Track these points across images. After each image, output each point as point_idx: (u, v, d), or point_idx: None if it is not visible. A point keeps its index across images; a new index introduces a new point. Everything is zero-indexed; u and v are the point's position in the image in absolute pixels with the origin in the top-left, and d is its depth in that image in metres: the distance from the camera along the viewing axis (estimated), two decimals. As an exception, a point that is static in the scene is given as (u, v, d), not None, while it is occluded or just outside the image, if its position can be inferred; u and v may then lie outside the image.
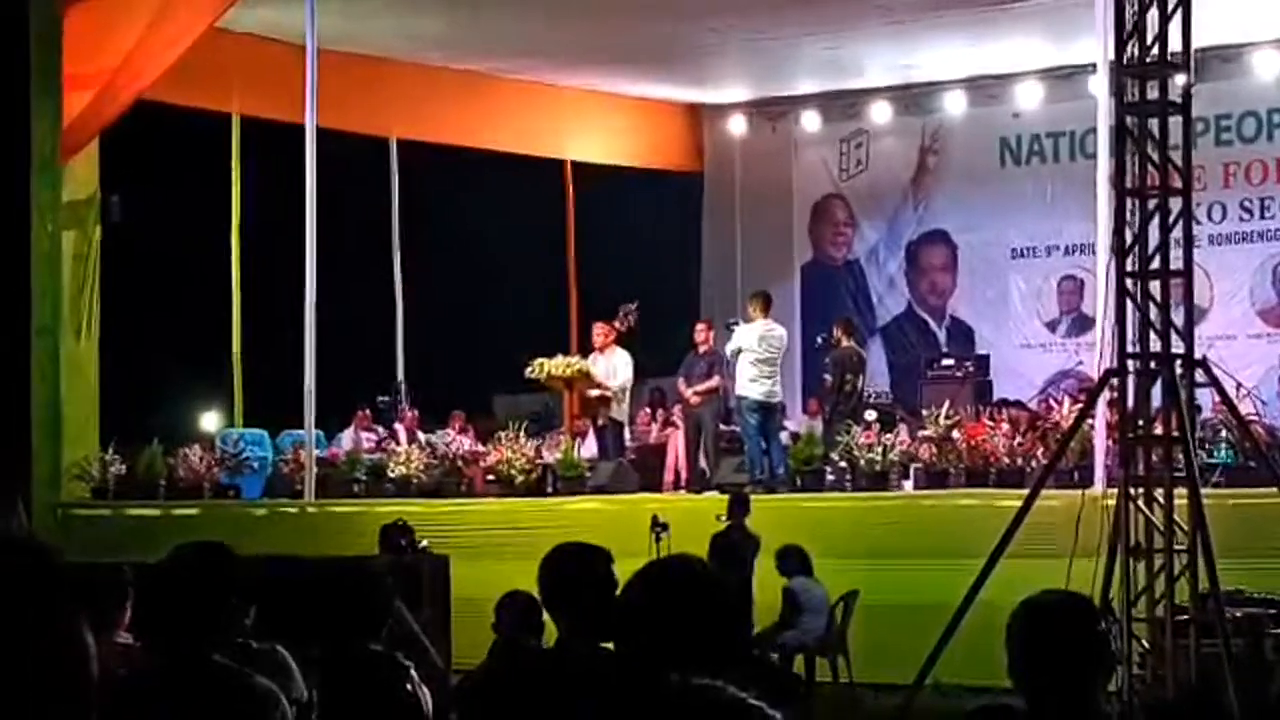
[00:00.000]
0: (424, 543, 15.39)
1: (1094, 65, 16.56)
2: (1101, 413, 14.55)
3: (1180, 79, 12.30)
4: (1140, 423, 12.13)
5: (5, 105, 19.44)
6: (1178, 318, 12.17)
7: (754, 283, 22.48)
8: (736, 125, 26.24)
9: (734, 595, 3.75)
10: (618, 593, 3.94)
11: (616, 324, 19.87)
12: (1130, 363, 12.07)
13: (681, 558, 3.96)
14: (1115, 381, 12.17)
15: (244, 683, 4.90)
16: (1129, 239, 12.17)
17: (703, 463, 19.24)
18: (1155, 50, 12.05)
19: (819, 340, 21.43)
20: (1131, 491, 11.99)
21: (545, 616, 6.18)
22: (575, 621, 5.30)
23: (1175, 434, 11.95)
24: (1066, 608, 4.68)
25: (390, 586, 6.67)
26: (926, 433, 17.50)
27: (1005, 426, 17.52)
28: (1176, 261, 12.17)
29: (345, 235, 20.97)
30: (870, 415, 19.71)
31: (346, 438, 21.41)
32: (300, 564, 12.81)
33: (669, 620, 3.57)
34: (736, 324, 19.12)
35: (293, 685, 6.39)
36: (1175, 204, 12.17)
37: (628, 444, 20.64)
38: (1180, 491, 11.91)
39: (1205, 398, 14.42)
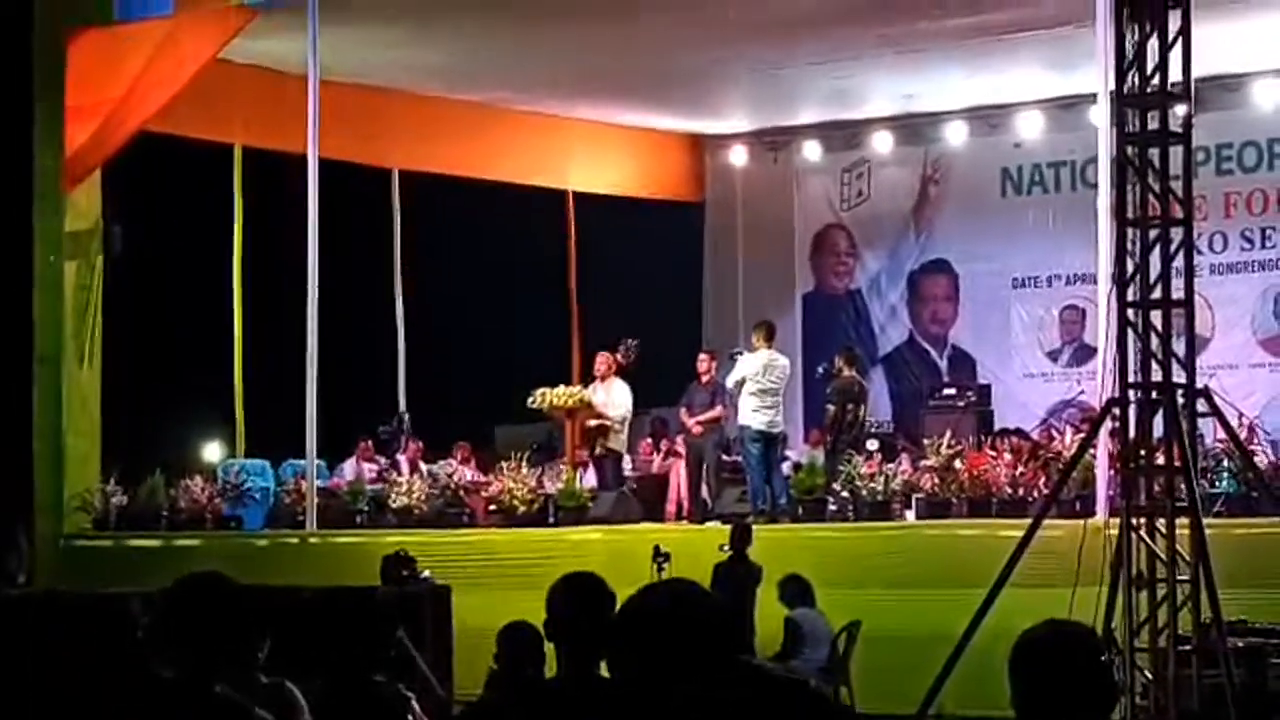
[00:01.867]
0: (425, 573, 15.38)
1: (1095, 95, 16.58)
2: (1104, 442, 14.54)
3: (1181, 109, 12.33)
4: (1142, 452, 12.13)
5: (8, 135, 19.50)
6: (1179, 347, 12.18)
7: (755, 313, 22.49)
8: (738, 155, 26.27)
9: (725, 612, 3.74)
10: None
11: (619, 356, 19.90)
12: (1132, 392, 12.08)
13: (675, 580, 3.96)
14: (1117, 411, 12.17)
15: (244, 714, 4.89)
16: (1130, 269, 12.18)
17: (704, 493, 19.23)
18: (1156, 80, 12.08)
19: (820, 370, 21.42)
20: (1134, 521, 11.99)
21: (548, 647, 6.17)
22: (576, 652, 5.30)
23: (1177, 464, 11.95)
24: (1068, 638, 4.67)
25: (392, 617, 6.67)
26: (928, 462, 17.48)
27: (1007, 456, 17.51)
28: (1178, 291, 12.18)
29: (347, 266, 20.99)
30: (872, 445, 19.71)
31: (348, 468, 21.40)
32: (301, 595, 12.82)
33: (660, 637, 3.57)
34: (740, 354, 19.13)
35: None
36: (1176, 234, 12.19)
37: (629, 474, 20.64)
38: (1182, 521, 11.91)
39: (1207, 427, 14.42)
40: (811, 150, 25.80)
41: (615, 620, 3.81)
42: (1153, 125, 12.21)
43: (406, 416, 23.15)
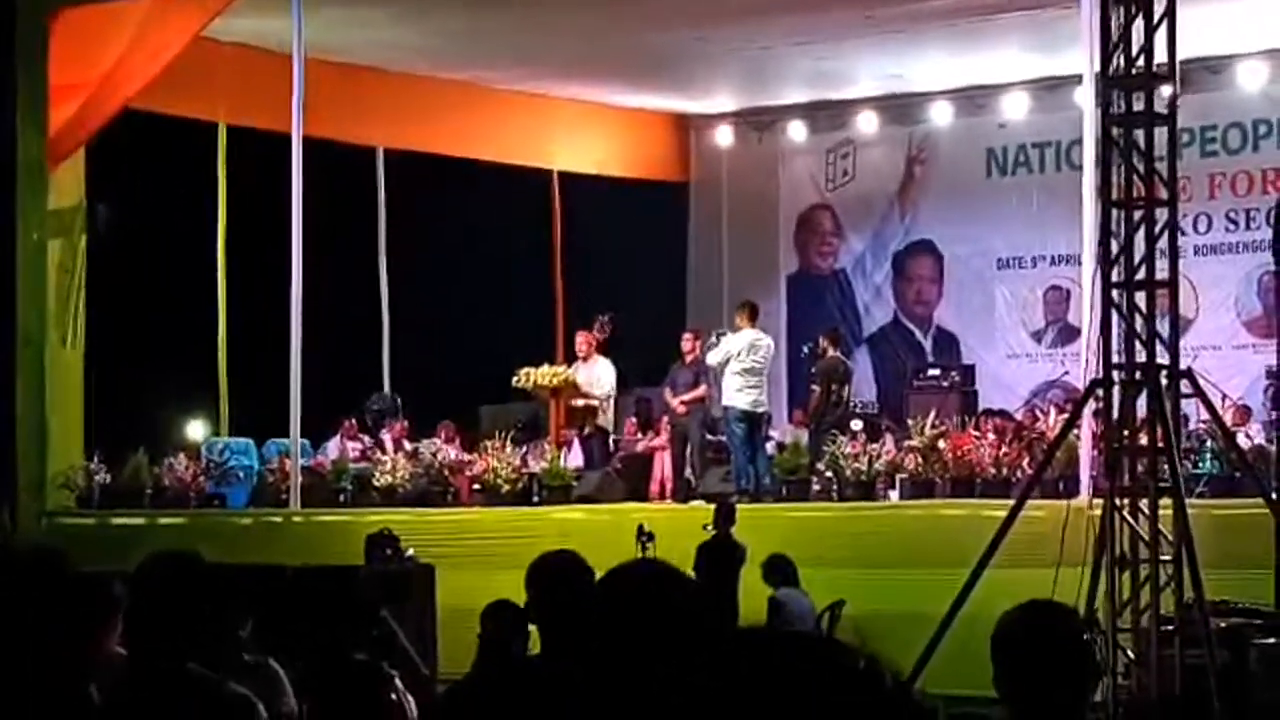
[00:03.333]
0: (410, 552, 15.40)
1: (1080, 76, 16.59)
2: (1087, 423, 14.57)
3: (1166, 90, 12.34)
4: (1126, 433, 12.15)
5: (-9, 114, 19.44)
6: (1163, 328, 12.20)
7: (740, 293, 22.49)
8: (723, 136, 26.26)
9: (698, 592, 3.73)
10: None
11: (596, 333, 19.92)
12: (1116, 373, 12.10)
13: (644, 560, 3.95)
14: (1101, 392, 12.19)
15: (217, 691, 4.89)
16: (1115, 250, 12.20)
17: (689, 472, 19.24)
18: (1141, 61, 12.08)
19: (805, 350, 21.44)
20: (1117, 502, 12.01)
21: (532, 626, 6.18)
22: (558, 630, 5.30)
23: (1160, 445, 11.97)
24: (1049, 618, 4.68)
25: (374, 595, 6.67)
26: (912, 443, 17.51)
27: (991, 436, 17.54)
28: (1162, 272, 12.20)
29: (332, 244, 20.95)
30: (856, 425, 19.72)
31: (332, 447, 21.40)
32: (284, 573, 12.81)
33: (631, 618, 3.56)
34: (724, 334, 19.12)
35: (283, 699, 6.39)
36: (1161, 215, 12.20)
37: (613, 453, 20.64)
38: (1165, 502, 11.94)
39: (1191, 408, 14.45)
40: (797, 130, 25.79)
41: (587, 602, 3.80)
42: (1138, 106, 12.22)
43: (397, 398, 23.14)
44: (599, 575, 5.28)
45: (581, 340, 20.04)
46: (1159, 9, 12.06)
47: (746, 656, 2.27)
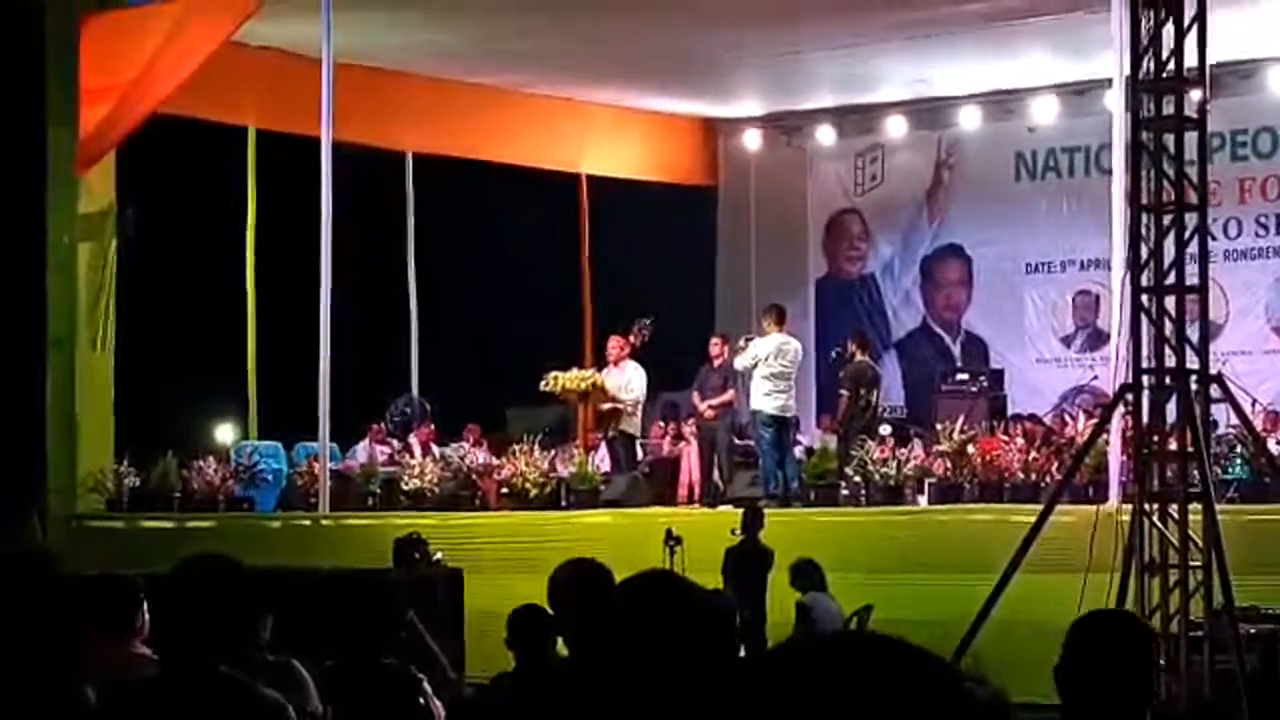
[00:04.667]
0: (438, 555, 15.39)
1: (1110, 80, 16.56)
2: (1116, 428, 14.53)
3: (1196, 94, 12.31)
4: (1155, 438, 12.12)
5: (22, 117, 19.51)
6: (1193, 333, 12.17)
7: (768, 297, 22.47)
8: (751, 140, 26.25)
9: (715, 607, 3.70)
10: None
11: (631, 338, 19.88)
12: (1145, 378, 12.07)
13: (658, 571, 3.92)
14: (1130, 397, 12.16)
15: (249, 693, 4.90)
16: (1144, 254, 12.17)
17: (716, 477, 19.23)
18: (1171, 66, 12.06)
19: (833, 355, 21.42)
20: (1146, 507, 11.98)
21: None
22: (576, 638, 5.31)
23: (1190, 450, 11.94)
24: (1131, 629, 4.66)
25: (402, 598, 6.67)
26: (941, 447, 17.47)
27: (1020, 441, 17.52)
28: (1192, 277, 12.17)
29: (360, 248, 20.99)
30: (885, 430, 19.70)
31: (361, 450, 21.43)
32: (312, 576, 12.82)
33: (639, 630, 3.55)
34: (751, 339, 19.12)
35: (308, 699, 6.39)
36: (1191, 219, 12.17)
37: (641, 458, 20.64)
38: (1195, 507, 11.90)
39: (1221, 413, 14.40)
40: (825, 135, 25.77)
41: (600, 614, 3.78)
42: (1168, 110, 12.19)
43: (423, 402, 23.17)
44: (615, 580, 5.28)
45: (614, 344, 20.00)
46: (1189, 13, 12.03)
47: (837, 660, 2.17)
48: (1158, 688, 4.63)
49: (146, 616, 6.28)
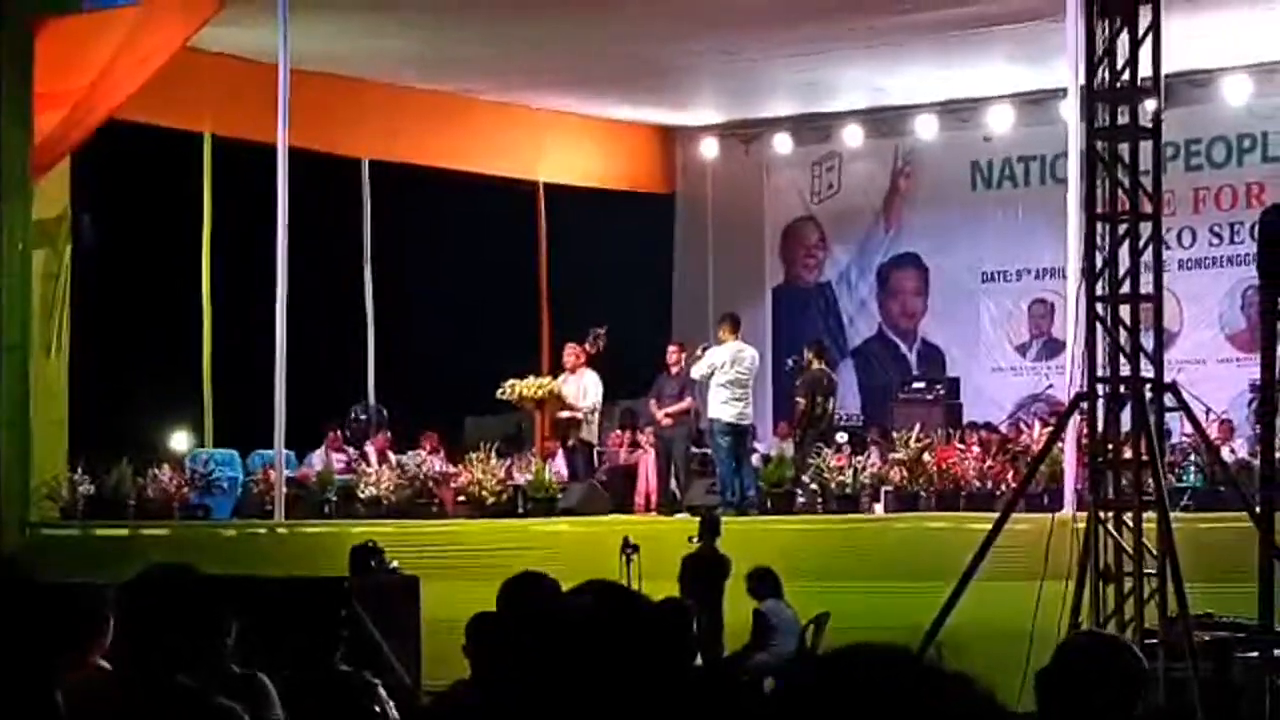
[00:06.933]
0: (394, 563, 15.36)
1: (1065, 90, 16.62)
2: (1071, 436, 14.58)
3: (1151, 104, 12.36)
4: (1110, 447, 12.16)
5: (-24, 123, 19.38)
6: (1147, 342, 12.21)
7: (725, 305, 22.50)
8: (709, 148, 26.27)
9: (658, 616, 3.69)
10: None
11: (587, 346, 19.89)
12: (1100, 387, 12.11)
13: (599, 582, 3.90)
14: (1085, 405, 12.20)
15: (204, 703, 4.88)
16: (1099, 263, 12.21)
17: (674, 485, 19.23)
18: (1126, 75, 12.10)
19: (790, 362, 21.45)
20: (1101, 515, 12.02)
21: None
22: (526, 647, 5.31)
23: (1144, 458, 11.98)
24: (1111, 651, 4.67)
25: (339, 598, 6.65)
26: (897, 455, 17.51)
27: (975, 449, 17.57)
28: (1146, 286, 12.21)
29: (317, 256, 20.95)
30: (841, 438, 19.73)
31: (317, 458, 21.36)
32: (264, 585, 12.75)
33: (583, 640, 3.54)
34: (709, 347, 19.13)
35: (272, 711, 6.37)
36: (1145, 229, 12.22)
37: (598, 465, 20.63)
38: (1149, 515, 11.94)
39: (1175, 422, 14.46)
40: (782, 143, 25.81)
41: (538, 624, 3.77)
42: (1123, 120, 12.24)
43: (379, 410, 23.11)
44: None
45: (570, 352, 20.01)
46: (1144, 23, 12.08)
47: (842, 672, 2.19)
48: (1137, 714, 4.63)
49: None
